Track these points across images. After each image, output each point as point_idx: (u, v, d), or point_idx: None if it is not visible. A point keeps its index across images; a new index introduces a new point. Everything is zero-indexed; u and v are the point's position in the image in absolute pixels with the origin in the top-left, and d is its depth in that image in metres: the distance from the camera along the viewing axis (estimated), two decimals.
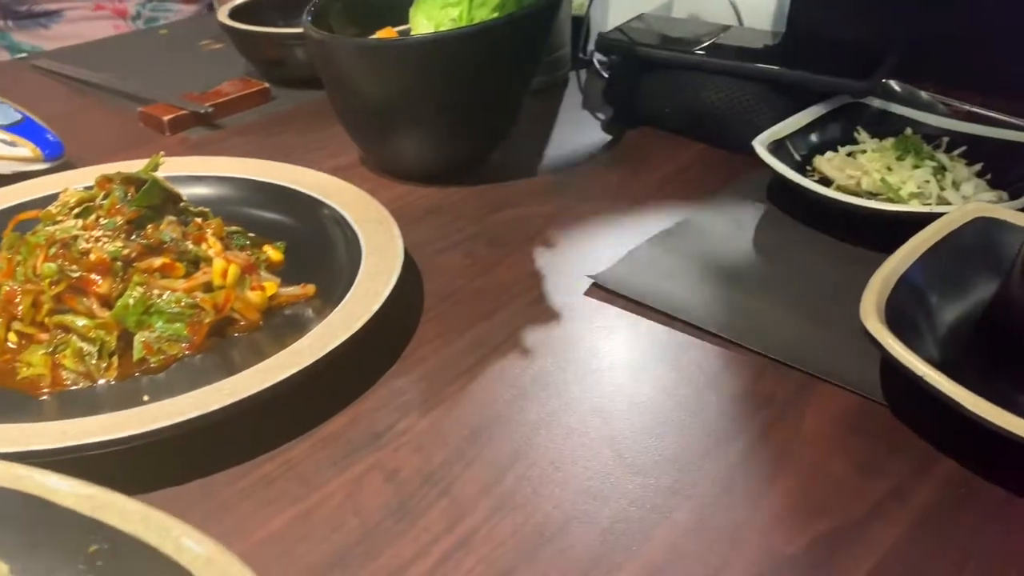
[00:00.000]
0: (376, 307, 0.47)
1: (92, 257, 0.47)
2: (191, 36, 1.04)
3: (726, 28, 0.81)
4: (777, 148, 0.64)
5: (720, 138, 0.73)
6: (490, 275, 0.56)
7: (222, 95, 0.80)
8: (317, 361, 0.42)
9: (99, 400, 0.44)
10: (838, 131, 0.69)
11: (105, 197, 0.50)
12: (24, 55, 1.01)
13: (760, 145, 0.63)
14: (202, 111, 0.77)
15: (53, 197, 0.57)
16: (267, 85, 0.83)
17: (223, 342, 0.48)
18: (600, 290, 0.54)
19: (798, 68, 0.71)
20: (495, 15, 0.62)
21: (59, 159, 0.67)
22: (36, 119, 0.68)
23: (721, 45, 0.77)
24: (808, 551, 0.36)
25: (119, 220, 0.48)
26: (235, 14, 0.87)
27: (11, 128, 0.66)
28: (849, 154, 0.66)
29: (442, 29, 0.65)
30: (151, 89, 0.83)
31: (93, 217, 0.49)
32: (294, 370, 0.42)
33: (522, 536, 0.37)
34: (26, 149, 0.65)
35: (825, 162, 0.65)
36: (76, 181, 0.60)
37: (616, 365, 0.48)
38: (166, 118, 0.76)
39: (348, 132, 0.70)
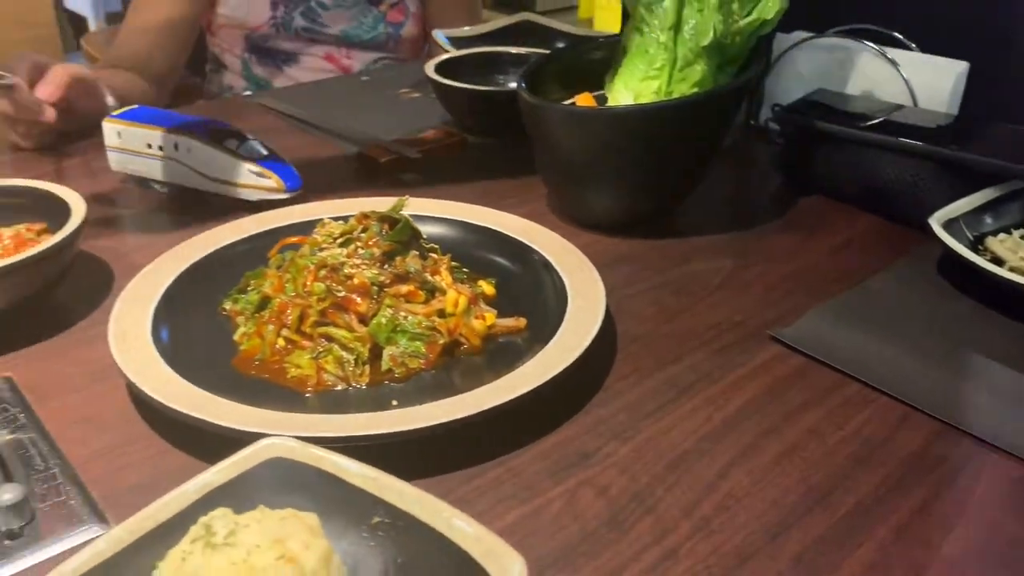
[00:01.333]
0: (588, 342, 0.53)
1: (355, 281, 0.56)
2: (389, 84, 1.15)
3: (899, 107, 0.85)
4: (950, 226, 0.68)
5: (892, 211, 0.77)
6: (676, 322, 0.63)
7: (426, 142, 0.90)
8: (543, 384, 0.50)
9: (354, 401, 0.53)
10: (1011, 214, 0.72)
11: (363, 231, 0.59)
12: (249, 93, 1.15)
13: (936, 223, 0.67)
14: (412, 156, 0.87)
15: (302, 224, 0.67)
16: (465, 135, 0.92)
17: (451, 361, 0.56)
18: (780, 345, 0.60)
19: (972, 150, 0.74)
20: (695, 90, 0.69)
21: (297, 191, 0.77)
22: (278, 155, 0.79)
23: (896, 123, 0.81)
24: None
25: (376, 251, 0.57)
26: (439, 68, 0.98)
27: (261, 162, 0.77)
28: (1022, 237, 0.69)
29: (643, 100, 0.72)
30: (363, 132, 0.94)
31: (353, 247, 0.58)
32: (525, 389, 0.49)
33: (721, 555, 0.43)
34: (272, 181, 0.76)
35: (998, 243, 0.69)
36: (315, 212, 0.70)
37: (798, 415, 0.53)
38: (382, 160, 0.86)
39: (545, 181, 0.78)
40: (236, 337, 0.58)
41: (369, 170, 0.87)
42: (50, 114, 0.83)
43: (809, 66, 0.94)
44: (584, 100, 0.79)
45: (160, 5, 1.18)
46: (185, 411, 0.47)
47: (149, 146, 0.78)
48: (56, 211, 0.63)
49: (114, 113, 0.80)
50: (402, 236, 0.59)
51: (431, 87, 0.98)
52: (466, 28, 1.18)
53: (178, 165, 0.78)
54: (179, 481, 0.47)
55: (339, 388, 0.54)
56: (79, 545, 0.43)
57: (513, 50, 1.05)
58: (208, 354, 0.56)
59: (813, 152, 0.82)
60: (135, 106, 0.83)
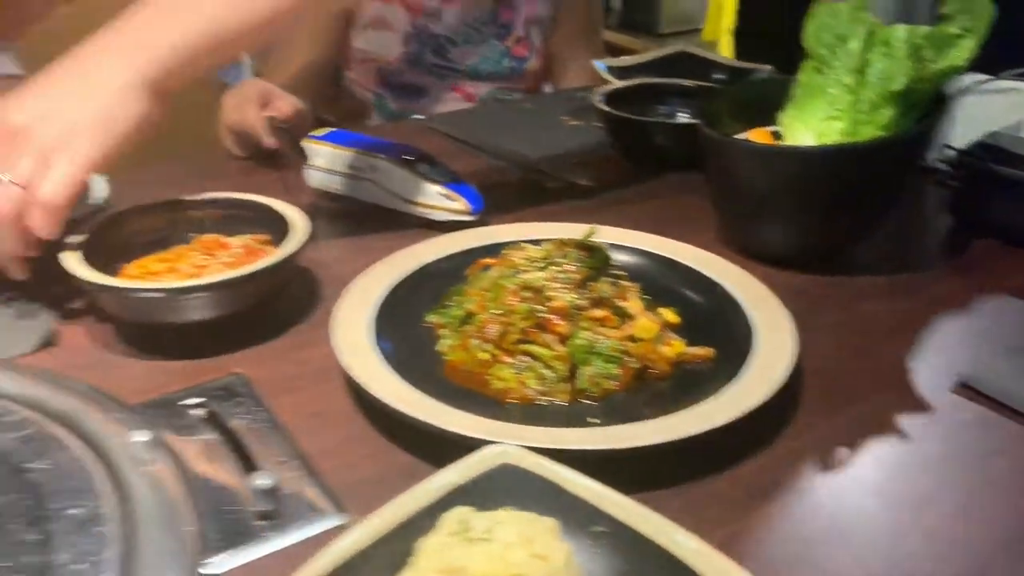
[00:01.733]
0: (785, 374, 0.56)
1: (556, 303, 0.59)
2: (550, 110, 1.20)
3: None
4: None
5: None
6: (859, 360, 0.64)
7: (593, 169, 0.94)
8: (747, 413, 0.52)
9: (553, 415, 0.56)
10: None
11: (561, 256, 0.63)
12: (420, 117, 1.22)
13: None
14: (582, 183, 0.90)
15: (493, 245, 0.72)
16: (630, 164, 0.95)
17: (641, 384, 0.59)
18: (967, 389, 0.60)
19: None
20: (881, 133, 0.70)
21: (480, 213, 0.82)
22: (463, 179, 0.84)
23: None
24: None
25: (574, 276, 0.61)
26: (607, 99, 1.01)
27: (448, 184, 0.82)
28: None
29: (825, 140, 0.73)
30: (528, 157, 0.98)
31: (551, 271, 0.62)
32: (732, 417, 0.51)
33: None
34: (459, 203, 0.81)
35: None
36: (504, 235, 0.74)
37: (984, 463, 0.54)
38: (551, 185, 0.90)
39: (720, 213, 0.80)
40: (440, 348, 0.63)
41: (538, 195, 0.92)
42: (271, 141, 0.94)
43: (982, 108, 0.93)
44: (759, 135, 0.81)
45: (298, 55, 1.28)
46: (417, 416, 0.51)
47: (347, 167, 0.85)
48: (276, 224, 0.70)
49: (315, 135, 0.87)
50: (599, 263, 0.62)
51: (597, 116, 1.01)
52: (625, 58, 1.22)
53: (371, 185, 0.84)
54: (405, 478, 0.51)
55: (539, 402, 0.57)
56: (324, 532, 0.48)
57: (679, 82, 1.08)
58: (419, 363, 0.60)
59: (989, 196, 0.82)
60: (333, 130, 0.89)
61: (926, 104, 0.74)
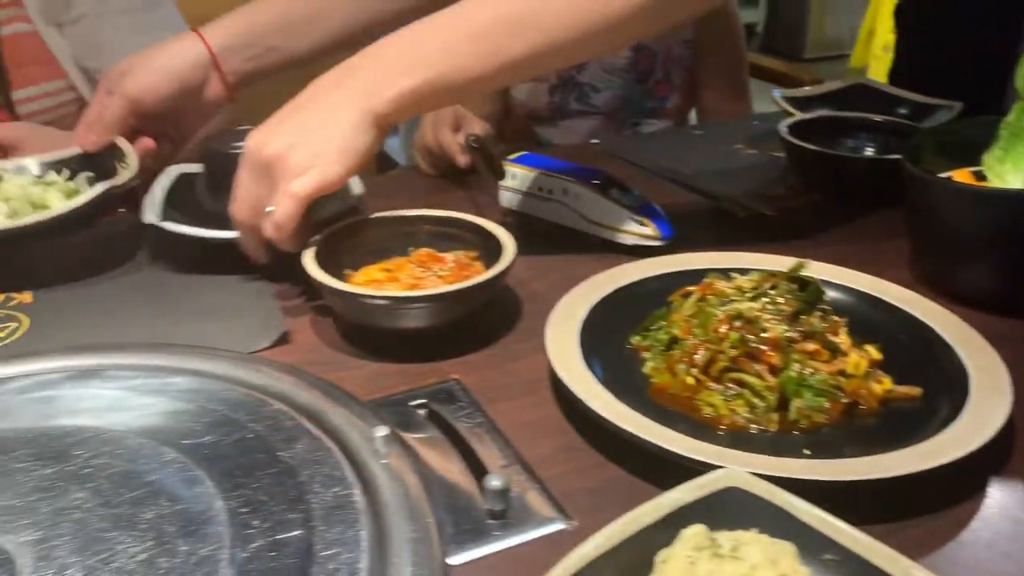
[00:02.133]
0: (1003, 421, 0.55)
1: (769, 335, 0.61)
2: (724, 138, 1.21)
3: None
4: None
5: None
6: None
7: (779, 200, 0.94)
8: (965, 456, 0.52)
9: (764, 444, 0.58)
10: None
11: (772, 288, 0.64)
12: (596, 142, 1.26)
13: None
14: (769, 213, 0.91)
15: (691, 272, 0.74)
16: (817, 197, 0.95)
17: (849, 420, 0.60)
18: None
19: None
20: None
21: (670, 240, 0.84)
22: (654, 204, 0.86)
23: None
24: None
25: (786, 308, 0.62)
26: (792, 130, 1.02)
27: (639, 210, 0.84)
28: None
29: None
30: (709, 184, 1.00)
31: (762, 302, 0.63)
32: (953, 457, 0.51)
33: None
34: (649, 229, 0.84)
35: None
36: (700, 262, 0.76)
37: None
38: (740, 215, 0.91)
39: (919, 252, 0.79)
40: (646, 370, 0.65)
41: (724, 223, 0.93)
42: (464, 160, 1.00)
43: None
44: (963, 176, 0.80)
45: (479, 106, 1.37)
46: (639, 434, 0.54)
47: (540, 189, 0.89)
48: (484, 241, 0.74)
49: (511, 158, 0.91)
50: (812, 297, 0.63)
51: (781, 146, 1.02)
52: (806, 88, 1.21)
53: (563, 207, 0.88)
54: (621, 491, 0.54)
55: (750, 430, 0.59)
56: (550, 534, 0.51)
57: (863, 115, 1.07)
58: (626, 382, 0.63)
59: None
60: (526, 152, 0.94)
61: None
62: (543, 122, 1.50)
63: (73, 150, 0.90)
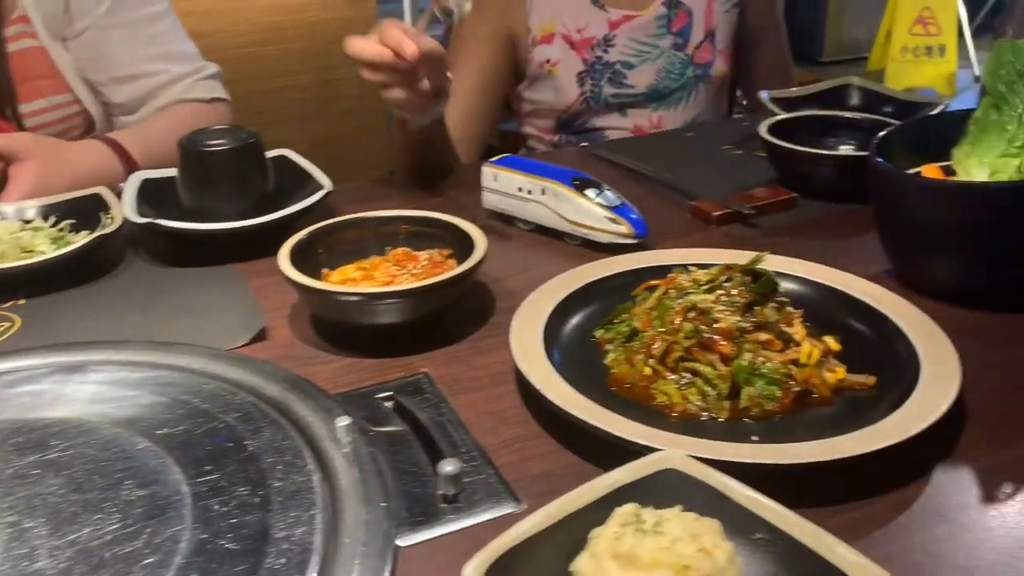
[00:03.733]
0: (947, 405, 0.56)
1: (722, 324, 0.62)
2: (712, 139, 1.23)
3: None
4: None
5: None
6: None
7: (757, 199, 0.96)
8: (906, 439, 0.53)
9: (715, 431, 0.59)
10: None
11: (727, 280, 0.66)
12: (586, 144, 1.27)
13: None
14: (745, 211, 0.93)
15: (656, 268, 0.75)
16: (795, 195, 0.97)
17: (801, 408, 0.61)
18: None
19: None
20: None
21: (644, 238, 0.86)
22: (629, 203, 0.88)
23: None
24: None
25: (739, 300, 0.64)
26: (772, 129, 1.03)
27: (615, 209, 0.86)
28: None
29: (1000, 176, 0.73)
30: (691, 185, 1.01)
31: (717, 294, 0.65)
32: (892, 441, 0.53)
33: None
34: (624, 227, 0.85)
35: None
36: (666, 259, 0.78)
37: None
38: (715, 214, 0.93)
39: (885, 246, 0.81)
40: (607, 361, 0.67)
41: (701, 222, 0.94)
42: (411, 49, 0.84)
43: None
44: (932, 171, 0.81)
45: (469, 76, 1.29)
46: (590, 421, 0.56)
47: (520, 189, 0.91)
48: (458, 240, 0.77)
49: (492, 160, 0.94)
50: (765, 289, 0.65)
51: (760, 145, 1.03)
52: (793, 89, 1.23)
53: (542, 208, 0.90)
54: (573, 475, 0.56)
55: (702, 417, 0.61)
56: (500, 516, 0.53)
57: (846, 115, 1.08)
58: (587, 373, 0.65)
59: None
60: (507, 155, 0.96)
61: None
62: (580, 134, 1.36)
63: (60, 197, 0.94)
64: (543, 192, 0.89)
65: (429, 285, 0.68)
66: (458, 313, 0.75)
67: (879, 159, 0.77)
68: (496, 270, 0.84)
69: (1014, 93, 0.76)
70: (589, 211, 0.87)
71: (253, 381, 0.65)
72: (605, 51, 1.32)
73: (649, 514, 0.44)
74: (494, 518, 0.53)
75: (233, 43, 2.06)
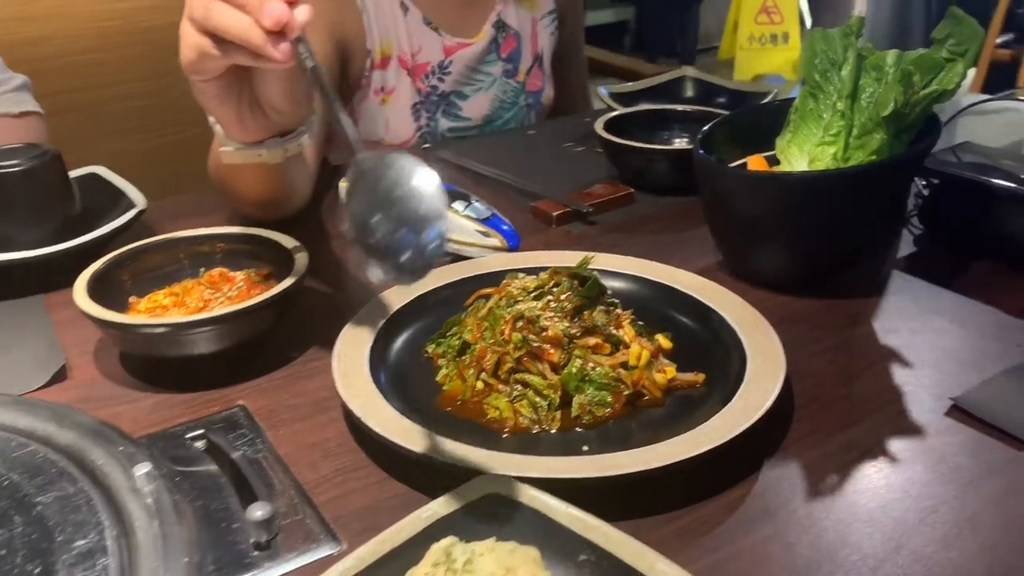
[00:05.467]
0: (770, 401, 0.56)
1: (549, 333, 0.60)
2: (554, 137, 1.21)
3: None
4: None
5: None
6: (853, 384, 0.64)
7: (595, 196, 0.95)
8: (734, 437, 0.53)
9: (547, 443, 0.57)
10: None
11: (555, 286, 0.64)
12: (427, 145, 1.22)
13: None
14: (583, 210, 0.92)
15: (490, 274, 0.73)
16: (632, 190, 0.96)
17: (634, 411, 0.60)
18: (961, 412, 0.60)
19: None
20: (873, 157, 0.71)
21: (517, 247, 0.82)
22: (499, 214, 0.85)
23: None
24: None
25: (567, 305, 0.62)
26: (606, 125, 1.03)
27: (485, 222, 0.83)
28: None
29: (818, 165, 0.74)
30: (537, 186, 0.99)
31: (545, 301, 0.63)
32: (716, 443, 0.52)
33: None
34: (496, 240, 0.82)
35: None
36: (501, 264, 0.75)
37: (979, 484, 0.54)
38: (554, 213, 0.91)
39: (715, 239, 0.81)
40: (439, 378, 0.64)
41: (542, 222, 0.93)
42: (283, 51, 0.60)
43: (978, 130, 0.93)
44: (756, 162, 0.82)
45: None
46: (407, 446, 0.52)
47: None
48: (280, 258, 0.72)
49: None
50: (591, 292, 0.63)
51: (598, 142, 1.03)
52: (629, 84, 1.23)
53: None
54: (399, 508, 0.52)
55: (533, 431, 0.58)
56: (317, 560, 0.49)
57: (679, 107, 1.09)
58: (416, 392, 0.62)
59: (950, 201, 0.83)
60: None
61: (918, 127, 0.75)
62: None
63: None
64: None
65: (242, 310, 0.63)
66: (284, 337, 0.71)
67: (701, 151, 0.77)
68: (326, 286, 0.79)
69: (828, 81, 0.78)
70: (459, 225, 0.83)
71: (46, 429, 0.58)
72: (441, 79, 1.21)
73: (461, 551, 0.41)
74: (312, 562, 0.49)
75: (64, 50, 1.92)
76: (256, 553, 0.50)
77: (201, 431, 0.60)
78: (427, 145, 1.20)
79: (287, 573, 0.49)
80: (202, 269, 0.74)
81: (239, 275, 0.71)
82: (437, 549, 0.42)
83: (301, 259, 0.70)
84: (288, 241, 0.73)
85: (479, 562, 0.40)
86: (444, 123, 1.24)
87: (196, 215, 0.92)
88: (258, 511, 0.50)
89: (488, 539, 0.43)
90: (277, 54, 0.58)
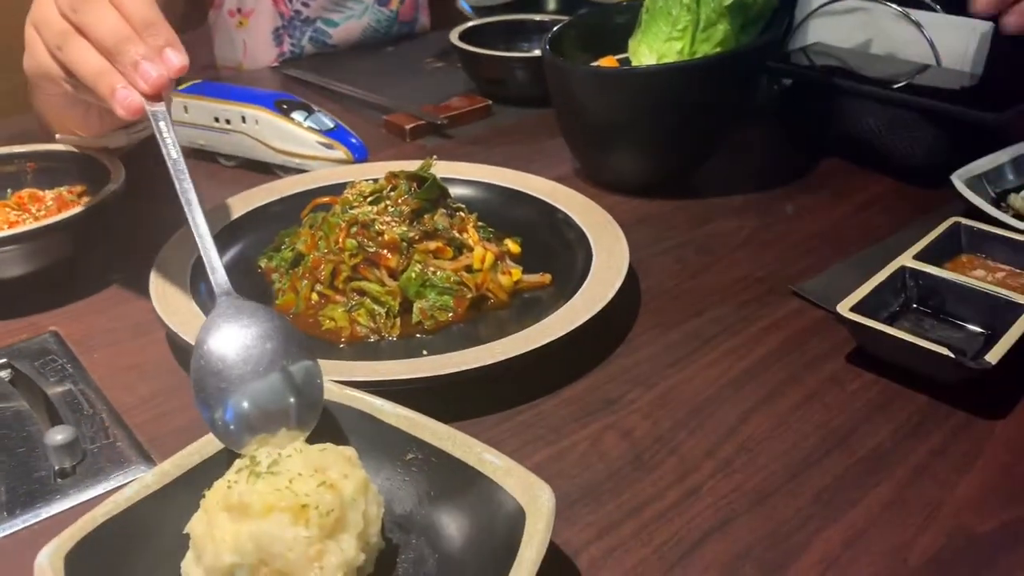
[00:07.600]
0: (611, 294, 0.55)
1: (385, 237, 0.57)
2: (414, 54, 1.16)
3: (924, 68, 0.85)
4: (973, 183, 0.69)
5: (883, 164, 0.79)
6: (699, 279, 0.64)
7: (451, 109, 0.91)
8: (568, 332, 0.51)
9: (386, 351, 0.55)
10: None
11: (392, 190, 0.60)
12: (276, 65, 1.15)
13: (958, 179, 0.67)
14: (438, 122, 0.88)
15: (332, 186, 0.69)
16: (489, 102, 0.93)
17: (479, 315, 0.58)
18: (801, 299, 0.61)
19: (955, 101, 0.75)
20: (718, 50, 0.70)
21: (364, 160, 0.78)
22: (344, 126, 0.80)
23: (899, 79, 0.81)
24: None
25: (405, 209, 0.59)
26: (463, 36, 0.99)
27: (328, 133, 0.78)
28: None
29: (666, 61, 0.73)
30: (390, 100, 0.95)
31: (383, 205, 0.59)
32: (551, 338, 0.50)
33: (743, 493, 0.44)
34: (340, 152, 0.77)
35: (1020, 200, 0.69)
36: (344, 176, 0.71)
37: (817, 364, 0.54)
38: (408, 127, 0.87)
39: (569, 145, 0.79)
40: (273, 293, 0.60)
41: (396, 136, 0.89)
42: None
43: (831, 29, 0.94)
44: (608, 63, 0.80)
45: None
46: None
47: (216, 120, 0.80)
48: (97, 175, 0.66)
49: (181, 88, 0.81)
50: (430, 194, 0.60)
51: (456, 55, 0.99)
52: None
53: (245, 138, 0.79)
54: None
55: (372, 340, 0.56)
56: (128, 483, 0.45)
57: (536, 17, 1.06)
58: None
59: (801, 99, 0.85)
60: (198, 81, 0.84)
61: (766, 19, 0.74)
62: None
63: None
64: (243, 120, 0.79)
65: (42, 228, 0.58)
66: (95, 259, 0.65)
67: (550, 52, 0.74)
68: (170, 211, 0.73)
69: None
70: (299, 137, 0.77)
71: None
72: (305, 4, 1.14)
73: (266, 454, 0.38)
74: (121, 486, 0.45)
75: None
76: (60, 481, 0.46)
77: (4, 360, 0.54)
78: (275, 64, 1.13)
79: (96, 497, 0.45)
80: (9, 190, 0.67)
81: (49, 194, 0.65)
82: (245, 456, 0.39)
83: (117, 174, 0.64)
84: (104, 156, 0.67)
85: (286, 463, 0.38)
86: (310, 50, 1.18)
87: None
88: (58, 435, 0.46)
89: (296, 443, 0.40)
90: (125, 112, 0.51)
